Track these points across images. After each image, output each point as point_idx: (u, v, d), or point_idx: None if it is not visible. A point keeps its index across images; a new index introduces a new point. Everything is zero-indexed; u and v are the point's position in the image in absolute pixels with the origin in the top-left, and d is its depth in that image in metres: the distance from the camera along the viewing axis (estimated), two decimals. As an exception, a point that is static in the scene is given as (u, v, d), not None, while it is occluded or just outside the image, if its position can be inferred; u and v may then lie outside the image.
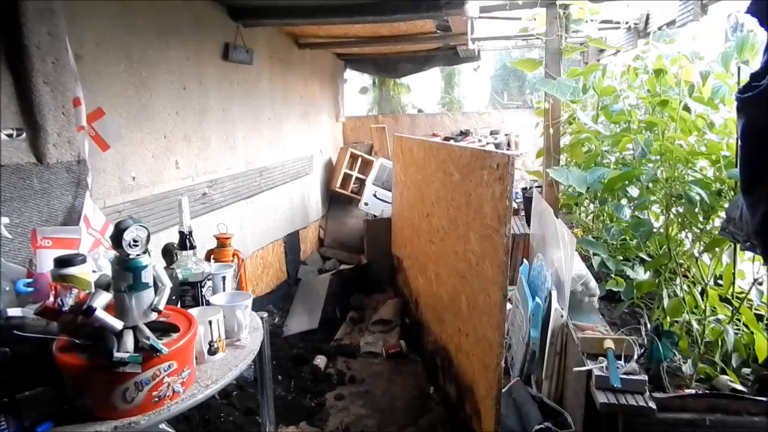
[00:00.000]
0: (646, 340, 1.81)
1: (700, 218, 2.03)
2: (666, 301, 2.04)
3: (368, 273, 4.13)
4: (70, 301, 1.03)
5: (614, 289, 2.30)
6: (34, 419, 1.00)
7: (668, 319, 2.02)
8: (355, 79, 7.84)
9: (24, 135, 1.68)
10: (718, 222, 1.99)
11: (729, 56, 1.92)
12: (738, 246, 1.83)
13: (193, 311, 1.32)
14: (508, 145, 6.37)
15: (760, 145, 1.15)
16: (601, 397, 1.63)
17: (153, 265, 1.12)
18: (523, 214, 4.01)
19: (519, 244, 3.55)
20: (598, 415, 1.67)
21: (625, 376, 1.65)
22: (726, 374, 1.79)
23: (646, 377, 1.67)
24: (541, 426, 1.80)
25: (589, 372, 1.72)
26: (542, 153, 3.11)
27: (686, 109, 2.16)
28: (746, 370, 1.85)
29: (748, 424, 1.59)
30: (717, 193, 1.99)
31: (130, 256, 1.07)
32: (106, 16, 2.19)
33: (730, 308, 1.94)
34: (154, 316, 1.11)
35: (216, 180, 3.14)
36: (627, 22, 3.69)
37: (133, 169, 2.40)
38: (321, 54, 5.26)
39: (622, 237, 2.38)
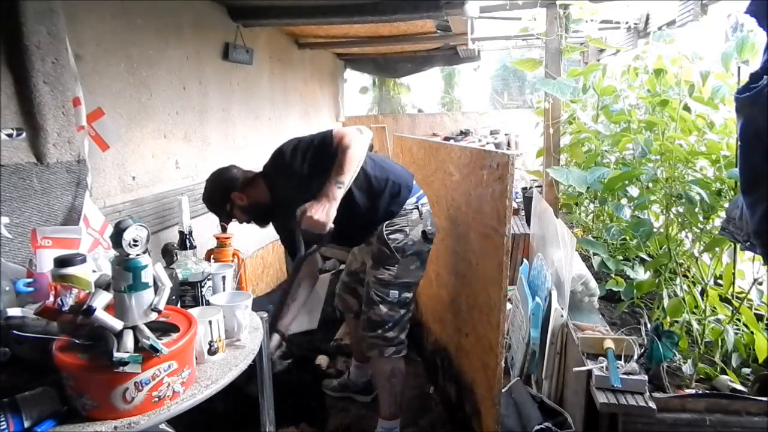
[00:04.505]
0: (646, 340, 1.80)
1: (700, 218, 2.03)
2: (666, 301, 2.03)
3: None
4: (70, 301, 1.03)
5: (614, 289, 2.30)
6: (34, 419, 1.00)
7: (668, 319, 2.02)
8: (355, 79, 7.84)
9: (24, 135, 1.68)
10: (718, 222, 1.99)
11: (729, 56, 1.91)
12: (738, 246, 1.83)
13: (193, 311, 1.32)
14: (508, 145, 6.38)
15: (759, 145, 1.15)
16: (601, 397, 1.63)
17: (153, 264, 1.12)
18: (523, 214, 4.01)
19: (519, 244, 3.55)
20: (598, 415, 1.67)
21: (625, 376, 1.64)
22: (726, 374, 1.79)
23: (646, 377, 1.67)
24: (541, 426, 1.80)
25: (589, 372, 1.72)
26: (542, 153, 3.11)
27: (686, 109, 2.16)
28: (746, 370, 1.85)
29: (748, 424, 1.59)
30: (717, 193, 1.99)
31: (130, 256, 1.07)
32: (106, 15, 2.18)
33: (730, 308, 1.93)
34: (154, 316, 1.11)
35: (216, 180, 3.13)
36: (627, 22, 3.69)
37: (133, 168, 2.40)
38: (321, 54, 5.26)
39: (622, 237, 2.38)
